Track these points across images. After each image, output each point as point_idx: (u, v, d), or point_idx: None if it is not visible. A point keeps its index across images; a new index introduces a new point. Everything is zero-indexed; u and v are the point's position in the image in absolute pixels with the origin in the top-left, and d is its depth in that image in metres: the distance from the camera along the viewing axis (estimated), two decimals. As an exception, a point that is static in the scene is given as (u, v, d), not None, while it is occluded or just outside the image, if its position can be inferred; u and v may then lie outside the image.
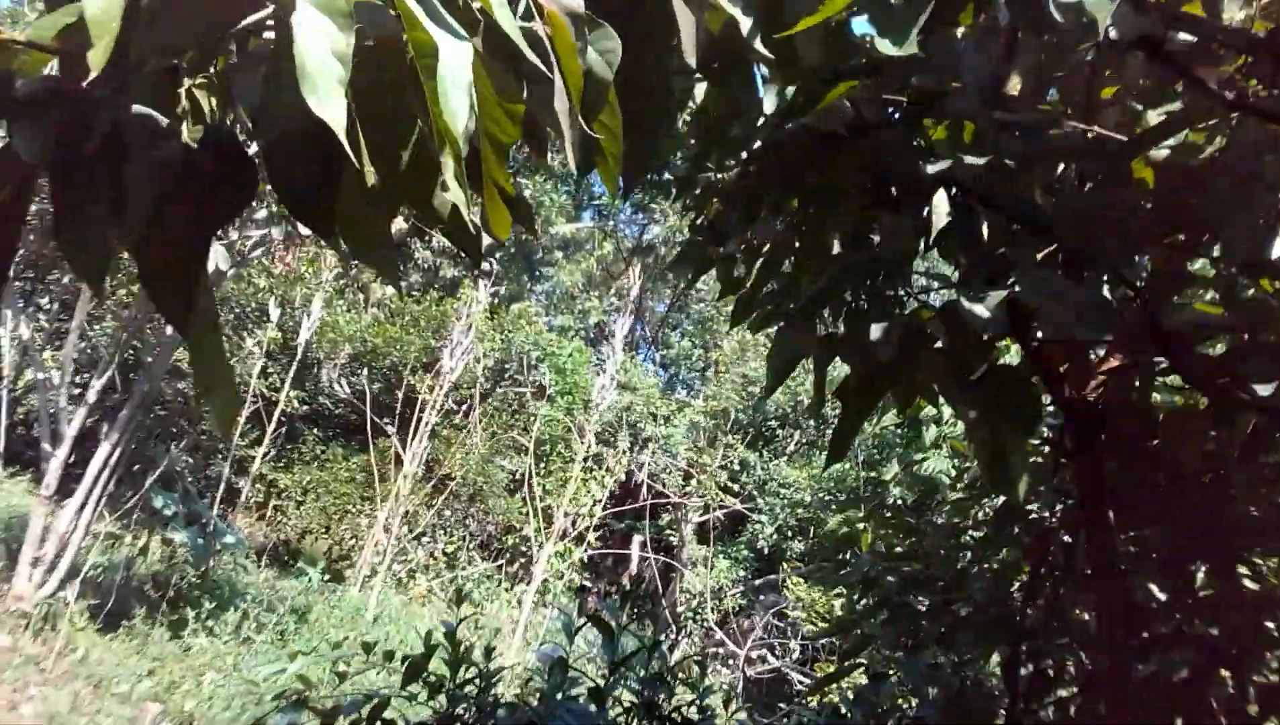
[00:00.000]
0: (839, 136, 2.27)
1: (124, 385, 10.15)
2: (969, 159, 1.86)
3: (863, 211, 2.47)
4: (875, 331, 2.25)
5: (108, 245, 1.07)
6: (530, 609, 11.49)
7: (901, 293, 2.39)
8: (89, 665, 6.79)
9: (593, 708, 3.90)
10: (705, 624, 14.35)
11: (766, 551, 16.64)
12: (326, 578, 10.31)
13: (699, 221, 3.22)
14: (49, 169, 1.02)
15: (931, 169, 1.89)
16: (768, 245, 2.91)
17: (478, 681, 3.96)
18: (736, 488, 16.51)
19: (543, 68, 1.20)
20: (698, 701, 3.81)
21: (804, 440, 18.18)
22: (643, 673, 3.92)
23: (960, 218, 2.10)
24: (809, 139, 2.32)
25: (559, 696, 3.92)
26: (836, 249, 2.66)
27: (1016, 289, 1.96)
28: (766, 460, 17.04)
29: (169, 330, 8.69)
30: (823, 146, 2.34)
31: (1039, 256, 2.15)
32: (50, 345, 11.79)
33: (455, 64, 0.96)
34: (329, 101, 0.87)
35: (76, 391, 8.27)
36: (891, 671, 4.09)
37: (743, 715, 3.99)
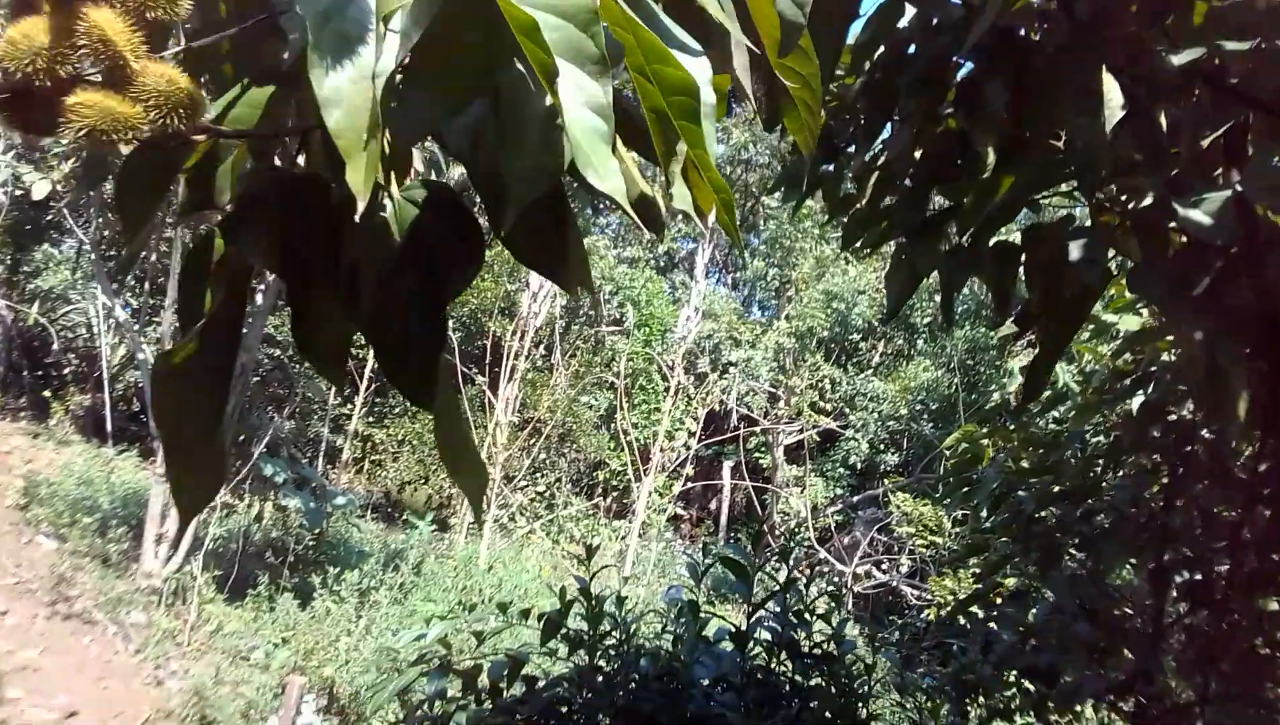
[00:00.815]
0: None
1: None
2: (1231, 45, 1.58)
3: (1017, 120, 2.19)
4: (1075, 250, 2.01)
5: (341, 337, 0.93)
6: (635, 545, 11.55)
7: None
8: (224, 637, 7.01)
9: (729, 647, 3.82)
10: (806, 544, 14.28)
11: (861, 467, 16.44)
12: (434, 527, 10.48)
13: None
14: (274, 267, 0.89)
15: (1179, 59, 1.62)
16: (884, 159, 2.69)
17: (616, 633, 3.90)
18: (825, 405, 16.25)
19: (721, 17, 1.01)
20: (835, 635, 3.71)
21: (889, 351, 17.77)
22: (777, 610, 3.81)
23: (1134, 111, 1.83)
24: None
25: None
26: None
27: (1238, 188, 1.71)
28: (853, 375, 16.73)
29: (259, 299, 8.73)
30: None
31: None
32: (145, 322, 12.04)
33: (708, 95, 0.86)
34: (608, 176, 0.76)
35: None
36: (1032, 588, 3.92)
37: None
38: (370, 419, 15.51)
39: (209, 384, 0.96)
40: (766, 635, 3.79)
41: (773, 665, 3.77)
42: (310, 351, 0.97)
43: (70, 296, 13.24)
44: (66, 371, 13.72)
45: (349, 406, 14.25)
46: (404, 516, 12.54)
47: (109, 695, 6.10)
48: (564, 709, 3.89)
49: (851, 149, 2.76)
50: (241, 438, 10.36)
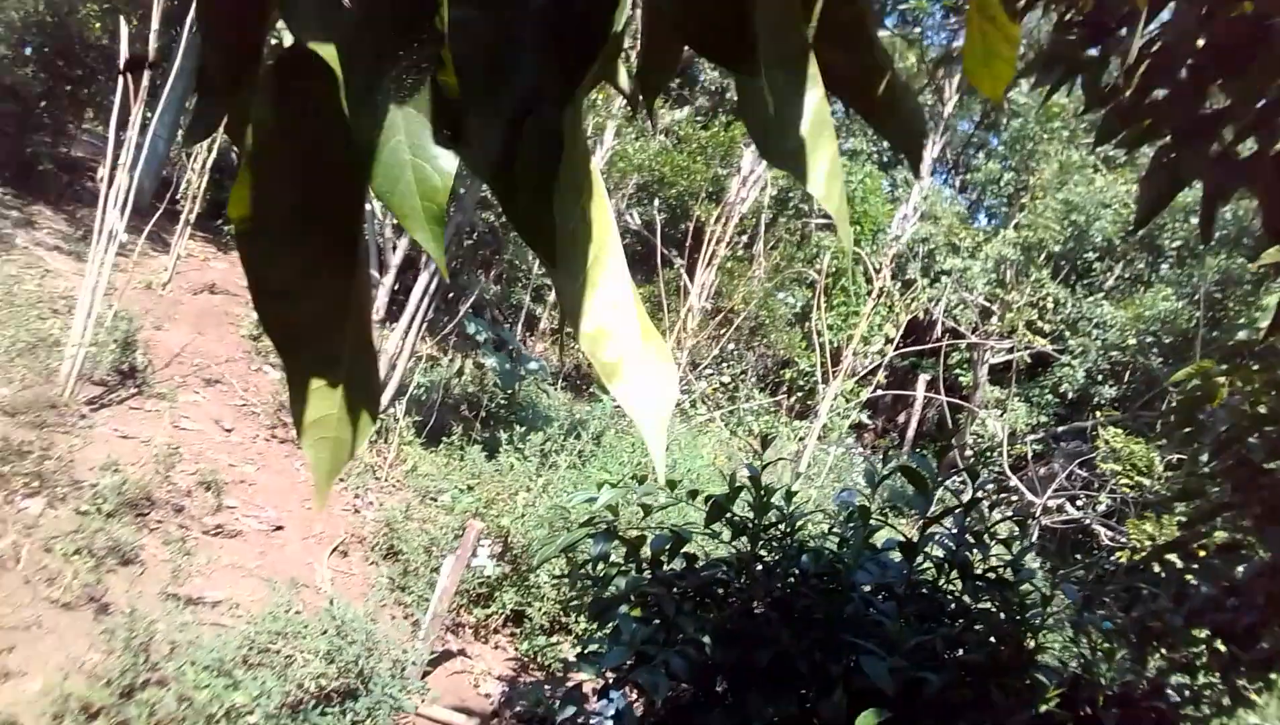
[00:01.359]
0: None
1: (436, 217, 10.74)
2: None
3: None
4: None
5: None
6: (813, 446, 11.33)
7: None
8: (416, 477, 7.49)
9: (897, 558, 3.66)
10: (997, 469, 13.56)
11: (1072, 396, 15.31)
12: (617, 403, 10.69)
13: (1067, 16, 2.66)
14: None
15: None
16: (1160, 44, 2.29)
17: (781, 526, 3.82)
18: (1043, 326, 15.11)
19: None
20: (1014, 561, 3.46)
21: (1126, 275, 16.18)
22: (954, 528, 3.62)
23: None
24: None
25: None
26: None
27: None
28: (1080, 297, 15.39)
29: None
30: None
31: None
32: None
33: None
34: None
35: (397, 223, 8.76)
36: (1246, 543, 3.51)
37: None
38: (570, 292, 15.89)
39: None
40: (938, 552, 3.62)
41: (940, 582, 3.59)
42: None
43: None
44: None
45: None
46: (590, 390, 12.90)
47: (311, 515, 6.68)
48: (720, 590, 3.86)
49: (1123, 32, 2.41)
50: (451, 294, 10.88)
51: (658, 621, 3.59)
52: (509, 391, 9.55)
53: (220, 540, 5.83)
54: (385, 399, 8.23)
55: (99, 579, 4.86)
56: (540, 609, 5.95)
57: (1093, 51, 2.50)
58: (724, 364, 14.49)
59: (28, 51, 10.63)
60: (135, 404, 6.94)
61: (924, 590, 3.54)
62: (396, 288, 8.33)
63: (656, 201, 14.33)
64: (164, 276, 9.85)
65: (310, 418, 0.79)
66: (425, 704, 4.83)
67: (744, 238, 14.72)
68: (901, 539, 3.53)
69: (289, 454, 7.44)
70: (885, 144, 19.60)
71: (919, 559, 3.52)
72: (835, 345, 13.23)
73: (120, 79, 6.28)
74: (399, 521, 6.35)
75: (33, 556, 4.86)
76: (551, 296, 14.68)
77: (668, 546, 3.66)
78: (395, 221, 8.29)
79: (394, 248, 8.20)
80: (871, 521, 3.66)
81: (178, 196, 10.32)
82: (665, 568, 3.74)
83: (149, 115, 6.53)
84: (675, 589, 3.75)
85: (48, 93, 10.89)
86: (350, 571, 6.18)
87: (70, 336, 6.44)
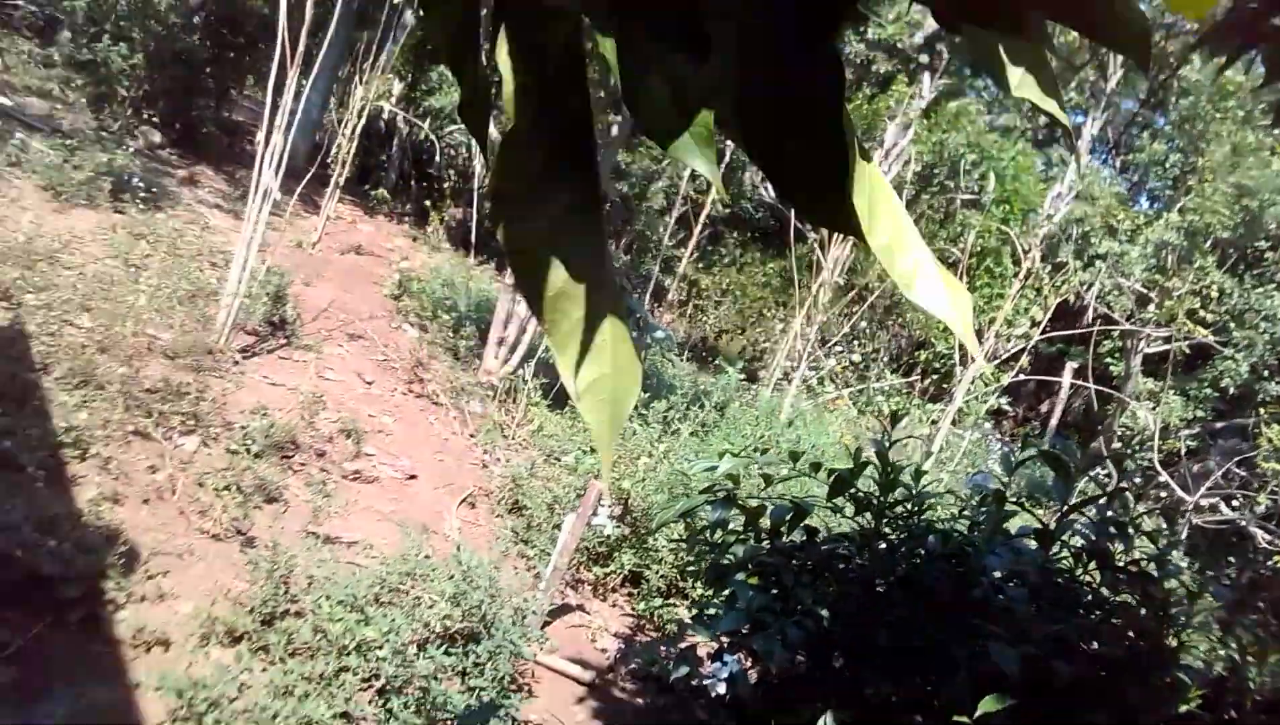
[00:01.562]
0: None
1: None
2: None
3: None
4: None
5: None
6: (946, 430, 10.95)
7: None
8: (543, 437, 7.64)
9: (1032, 544, 3.51)
10: (1146, 463, 12.76)
11: (1233, 392, 14.26)
12: (743, 377, 10.60)
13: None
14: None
15: None
16: None
17: (908, 504, 3.71)
18: (1206, 316, 14.10)
19: None
20: (1159, 555, 3.28)
21: (1304, 265, 14.90)
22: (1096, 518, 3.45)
23: None
24: None
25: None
26: None
27: None
28: (1249, 287, 14.28)
29: (614, 131, 8.99)
30: None
31: None
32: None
33: None
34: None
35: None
36: None
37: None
38: (700, 264, 15.84)
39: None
40: (1077, 541, 3.46)
41: (1077, 572, 3.42)
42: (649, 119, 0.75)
43: (455, 116, 14.54)
44: (445, 186, 15.28)
45: (680, 249, 14.61)
46: (716, 361, 12.84)
47: (443, 467, 6.92)
48: (841, 565, 3.79)
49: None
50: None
51: (775, 591, 3.55)
52: (635, 359, 9.61)
53: (358, 485, 6.11)
54: (515, 360, 8.42)
55: (246, 514, 5.17)
56: (657, 572, 5.99)
57: (1277, 21, 2.26)
58: (855, 342, 14.16)
59: (195, 20, 11.30)
60: (284, 354, 7.33)
61: (1059, 579, 3.38)
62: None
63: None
64: (313, 236, 10.35)
65: (585, 381, 0.82)
66: (544, 653, 4.94)
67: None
68: (1037, 526, 3.38)
69: (424, 408, 7.72)
70: (1040, 120, 18.58)
71: (1055, 547, 3.36)
72: (977, 327, 12.70)
73: (278, 47, 6.57)
74: (524, 478, 6.50)
75: (187, 490, 5.21)
76: (680, 268, 14.67)
77: (788, 517, 3.61)
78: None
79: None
80: (1006, 507, 3.51)
81: (328, 160, 10.80)
82: (785, 539, 3.69)
83: (304, 82, 6.82)
84: (794, 560, 3.70)
85: (212, 59, 11.55)
86: (477, 522, 6.37)
87: (226, 288, 6.85)
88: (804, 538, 3.69)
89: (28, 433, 4.86)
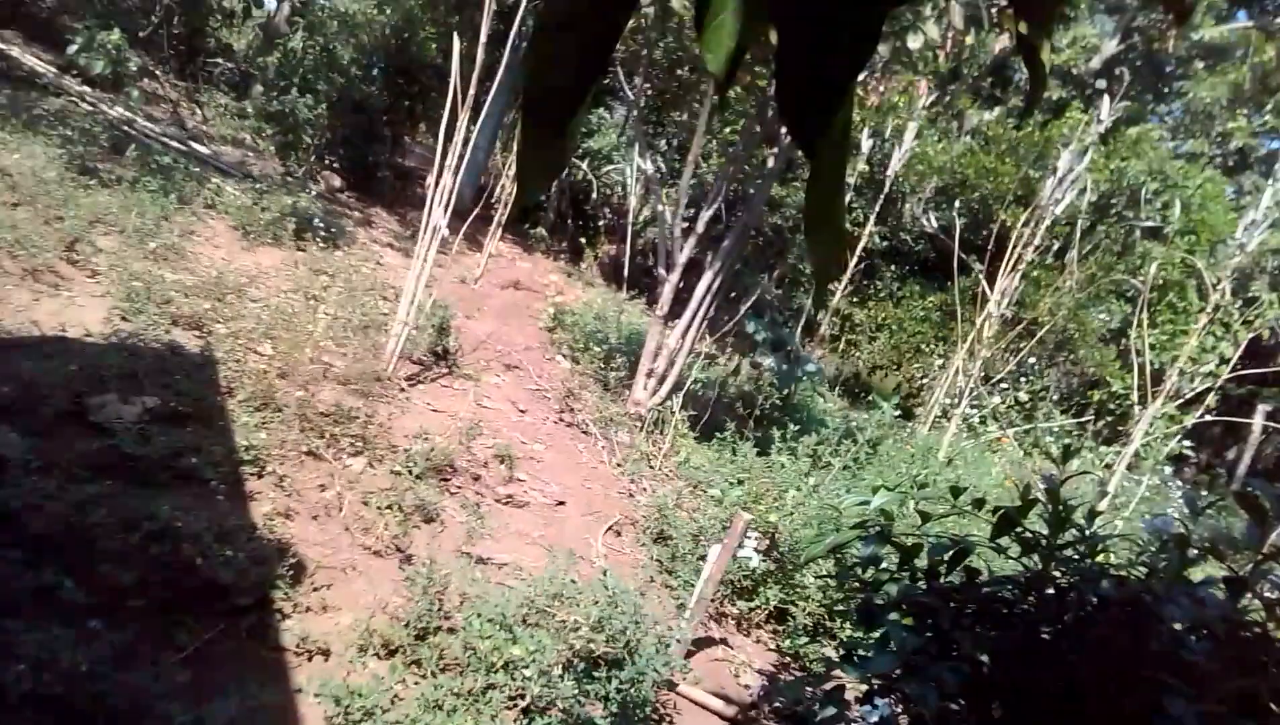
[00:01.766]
0: None
1: (727, 218, 10.95)
2: None
3: None
4: None
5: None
6: (1121, 474, 10.20)
7: None
8: (689, 468, 7.63)
9: (1220, 595, 3.19)
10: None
11: None
12: (898, 413, 10.26)
13: None
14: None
15: None
16: None
17: (1080, 547, 3.46)
18: None
19: None
20: None
21: None
22: None
23: None
24: None
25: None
26: None
27: None
28: None
29: (770, 162, 8.98)
30: None
31: None
32: (666, 183, 13.11)
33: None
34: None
35: (685, 224, 8.97)
36: None
37: None
38: (854, 299, 15.52)
39: (584, 55, 0.87)
40: (1271, 593, 3.12)
41: (1271, 627, 3.09)
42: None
43: (614, 157, 14.91)
44: (600, 223, 15.66)
45: (834, 284, 14.35)
46: (869, 397, 12.49)
47: (590, 495, 7.01)
48: (1004, 609, 3.57)
49: None
50: (733, 294, 11.00)
51: (930, 634, 3.38)
52: (784, 392, 9.48)
53: (509, 509, 6.27)
54: (663, 392, 8.46)
55: (405, 532, 5.39)
56: (804, 609, 5.83)
57: None
58: (1022, 379, 13.47)
59: (374, 72, 12.10)
60: (445, 382, 7.65)
61: (1249, 633, 3.07)
62: (681, 286, 8.53)
63: (956, 204, 13.61)
64: (476, 272, 10.80)
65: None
66: (686, 683, 4.88)
67: (1055, 244, 13.60)
68: (1226, 574, 3.08)
69: (573, 437, 7.86)
70: (1234, 145, 17.24)
71: (1246, 598, 3.05)
72: (1157, 366, 11.84)
73: (450, 94, 6.94)
74: (669, 508, 6.49)
75: (352, 507, 5.49)
76: (834, 302, 14.42)
77: (947, 556, 3.43)
78: (683, 226, 8.54)
79: (680, 248, 8.41)
80: (1189, 553, 3.23)
81: (492, 201, 11.28)
82: (943, 579, 3.51)
83: (472, 128, 7.16)
84: (953, 602, 3.51)
85: (388, 107, 12.33)
86: (622, 550, 6.40)
87: (395, 320, 7.22)
88: (963, 578, 3.50)
89: (212, 450, 5.25)
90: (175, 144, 10.14)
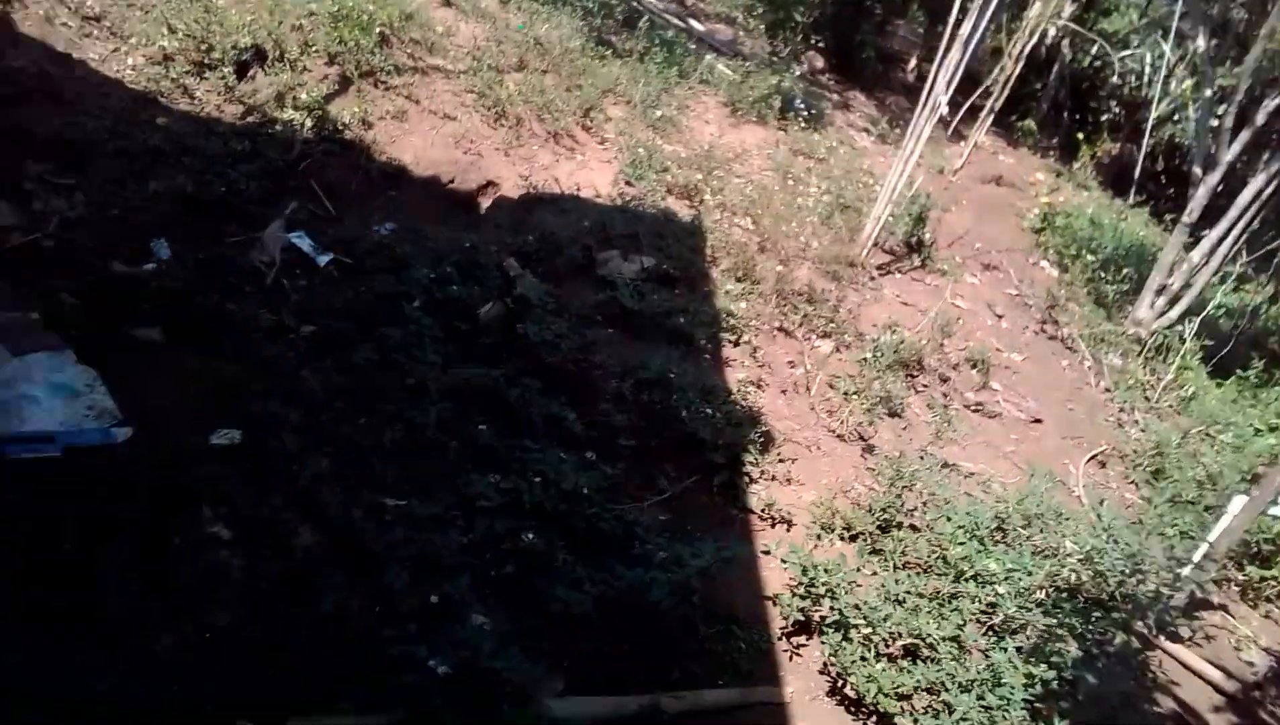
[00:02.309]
0: None
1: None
2: None
3: None
4: None
5: None
6: None
7: None
8: (1196, 405, 6.54)
9: None
10: None
11: None
12: None
13: None
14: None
15: None
16: None
17: None
18: None
19: None
20: None
21: None
22: None
23: None
24: None
25: None
26: None
27: None
28: None
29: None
30: None
31: None
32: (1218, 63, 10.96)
33: None
34: None
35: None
36: None
37: None
38: None
39: None
40: None
41: None
42: None
43: (1129, 40, 12.87)
44: (1104, 118, 13.78)
45: None
46: None
47: (1072, 418, 6.31)
48: None
49: None
50: None
51: None
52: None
53: (978, 417, 5.85)
54: (1173, 314, 7.28)
55: (871, 422, 5.25)
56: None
57: None
58: None
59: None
60: (916, 276, 7.27)
61: None
62: (1220, 189, 7.12)
63: None
64: (956, 163, 10.07)
65: None
66: (1179, 645, 4.24)
67: None
68: None
69: (1055, 352, 7.10)
70: None
71: None
72: None
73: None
74: (1169, 445, 5.63)
75: (819, 388, 5.46)
76: None
77: None
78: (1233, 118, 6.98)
79: (1227, 144, 6.97)
80: None
81: (988, 87, 10.31)
82: None
83: (969, 5, 6.47)
84: None
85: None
86: (1106, 484, 5.70)
87: (874, 207, 6.93)
88: None
89: (697, 312, 5.49)
90: (675, 20, 10.62)
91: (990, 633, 3.70)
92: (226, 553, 3.14)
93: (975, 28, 6.41)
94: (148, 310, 4.05)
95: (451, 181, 6.27)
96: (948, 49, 6.42)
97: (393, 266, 5.14)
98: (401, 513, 3.53)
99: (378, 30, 6.45)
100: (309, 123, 5.86)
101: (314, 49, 6.30)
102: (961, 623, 3.58)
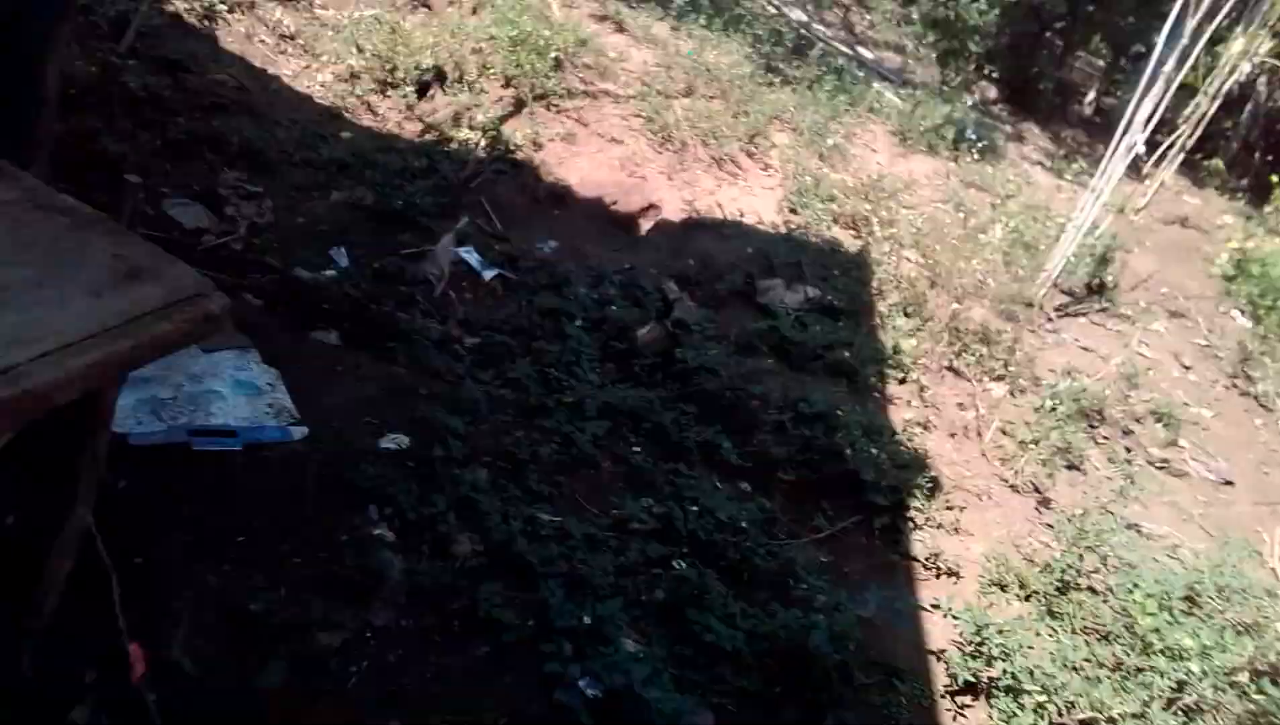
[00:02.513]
0: None
1: None
2: None
3: None
4: None
5: None
6: None
7: None
8: None
9: None
10: None
11: None
12: None
13: None
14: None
15: None
16: None
17: None
18: None
19: None
20: None
21: None
22: None
23: None
24: None
25: None
26: None
27: None
28: None
29: None
30: None
31: None
32: None
33: None
34: None
35: None
36: None
37: None
38: None
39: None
40: None
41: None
42: None
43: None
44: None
45: None
46: None
47: (1266, 481, 5.77)
48: None
49: None
50: None
51: None
52: None
53: (1164, 476, 5.39)
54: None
55: (1049, 473, 4.92)
56: None
57: None
58: None
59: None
60: (1098, 320, 6.83)
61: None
62: None
63: None
64: (1139, 202, 9.45)
65: None
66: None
67: None
68: None
69: (1248, 408, 6.50)
70: None
71: None
72: None
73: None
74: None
75: (992, 435, 5.15)
76: None
77: None
78: None
79: None
80: None
81: (1179, 125, 9.65)
82: None
83: (1155, 39, 6.07)
84: None
85: (1066, 14, 11.20)
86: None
87: (1059, 246, 6.54)
88: None
89: (863, 347, 5.30)
90: (843, 48, 10.45)
91: (1180, 714, 3.35)
92: (389, 553, 3.19)
93: (1180, 65, 5.98)
94: (327, 314, 4.22)
95: (614, 203, 6.31)
96: (1148, 87, 6.02)
97: (554, 284, 5.21)
98: (556, 529, 3.50)
99: (553, 55, 6.60)
100: (483, 142, 6.04)
101: (491, 71, 6.51)
102: (1147, 698, 3.26)
